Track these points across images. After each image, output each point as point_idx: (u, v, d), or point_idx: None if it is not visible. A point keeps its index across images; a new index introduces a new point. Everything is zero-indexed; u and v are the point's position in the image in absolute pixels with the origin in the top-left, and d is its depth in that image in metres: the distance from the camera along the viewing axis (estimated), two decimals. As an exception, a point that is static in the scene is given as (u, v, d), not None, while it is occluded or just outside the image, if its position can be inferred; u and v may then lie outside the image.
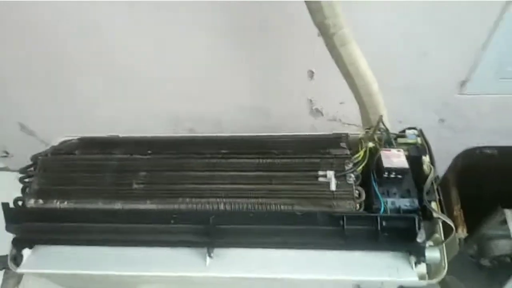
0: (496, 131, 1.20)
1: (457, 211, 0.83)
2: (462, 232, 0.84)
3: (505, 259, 1.00)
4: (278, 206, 0.64)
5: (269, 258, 0.64)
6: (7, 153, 1.44)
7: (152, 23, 0.97)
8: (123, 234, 0.65)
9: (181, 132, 1.28)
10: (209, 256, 0.64)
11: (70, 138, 0.82)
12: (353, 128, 1.19)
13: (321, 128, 1.20)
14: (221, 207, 0.64)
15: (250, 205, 0.64)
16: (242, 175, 0.68)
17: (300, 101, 1.13)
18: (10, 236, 0.71)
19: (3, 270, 1.31)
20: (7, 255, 0.73)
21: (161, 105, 1.20)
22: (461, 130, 1.19)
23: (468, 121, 1.17)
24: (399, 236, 0.62)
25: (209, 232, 0.62)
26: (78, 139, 0.81)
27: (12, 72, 1.12)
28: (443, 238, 0.66)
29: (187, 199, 0.65)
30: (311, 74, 1.04)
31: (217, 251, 0.65)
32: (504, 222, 0.92)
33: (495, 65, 1.03)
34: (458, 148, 1.14)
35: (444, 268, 0.65)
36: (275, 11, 0.93)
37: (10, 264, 0.70)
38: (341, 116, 1.17)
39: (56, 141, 0.82)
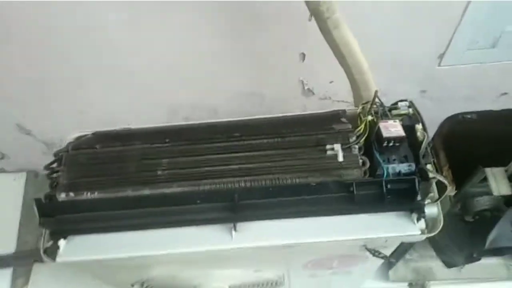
0: (471, 98, 1.30)
1: (446, 171, 0.93)
2: (451, 190, 0.94)
3: (486, 213, 1.10)
4: (294, 179, 0.71)
5: (288, 227, 0.71)
6: (3, 154, 1.44)
7: (145, 13, 1.00)
8: (153, 217, 0.70)
9: (177, 121, 1.32)
10: (235, 230, 0.70)
11: (84, 133, 0.85)
12: (343, 104, 1.27)
13: (313, 107, 1.27)
14: (242, 184, 0.71)
15: (268, 181, 0.71)
16: (257, 154, 0.74)
17: (293, 83, 1.20)
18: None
19: (11, 269, 1.34)
20: (37, 249, 0.77)
21: (155, 95, 1.23)
22: (441, 99, 1.29)
23: (447, 90, 1.27)
24: (402, 196, 0.70)
25: (234, 208, 0.69)
26: (92, 133, 0.84)
27: (8, 71, 1.13)
28: (437, 196, 0.74)
29: (210, 180, 0.71)
30: (302, 56, 1.11)
31: (240, 225, 0.71)
32: (484, 180, 1.02)
33: (467, 38, 1.12)
34: (439, 116, 1.24)
35: (440, 222, 0.74)
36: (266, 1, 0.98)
37: (44, 256, 0.74)
38: (331, 94, 1.25)
39: (70, 138, 0.84)
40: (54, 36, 1.04)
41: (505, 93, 1.30)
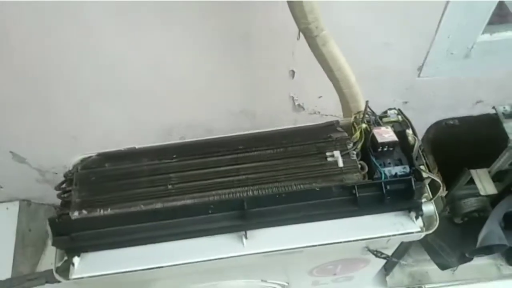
0: (450, 106, 1.39)
1: (436, 173, 0.98)
2: (442, 191, 1.00)
3: (474, 214, 1.16)
4: (298, 185, 0.75)
5: (296, 231, 0.75)
6: (-4, 184, 1.43)
7: (139, 35, 1.04)
8: (166, 230, 0.73)
9: (173, 140, 1.35)
10: (245, 237, 0.73)
11: (88, 155, 0.87)
12: (331, 118, 1.33)
13: (303, 122, 1.31)
14: (250, 193, 0.74)
15: (274, 189, 0.74)
16: (262, 164, 0.78)
17: (283, 99, 1.25)
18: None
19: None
20: (50, 269, 0.78)
21: (151, 116, 1.27)
22: (422, 109, 1.37)
23: (427, 100, 1.35)
24: (400, 197, 0.74)
25: (244, 215, 0.72)
26: (97, 155, 0.86)
27: (2, 96, 1.14)
28: (431, 196, 0.80)
29: (219, 191, 0.74)
30: (292, 73, 1.17)
31: (251, 233, 0.74)
32: (470, 181, 1.08)
33: (444, 49, 1.20)
34: (422, 124, 1.31)
35: (437, 220, 0.79)
36: (257, 20, 1.04)
37: (57, 276, 0.74)
38: (320, 109, 1.31)
39: (75, 160, 0.86)
40: (48, 60, 1.06)
41: (480, 101, 1.39)
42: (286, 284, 1.00)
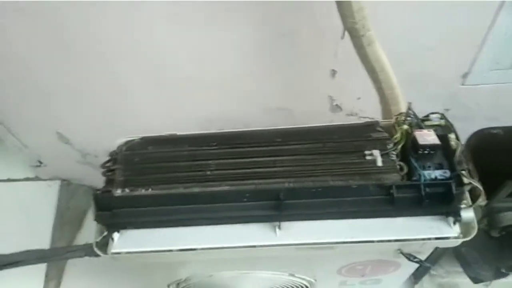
0: (494, 117, 1.35)
1: (477, 182, 0.96)
2: (483, 199, 0.97)
3: (512, 229, 1.12)
4: (335, 181, 0.75)
5: (329, 227, 0.75)
6: (40, 162, 1.51)
7: (187, 31, 1.07)
8: (202, 214, 0.75)
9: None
10: (279, 228, 0.74)
11: (132, 138, 0.90)
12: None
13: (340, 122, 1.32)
14: (286, 185, 0.75)
15: (311, 183, 0.75)
16: (299, 158, 0.79)
17: (322, 99, 1.25)
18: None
19: (45, 272, 1.38)
20: (90, 243, 0.82)
21: (193, 107, 1.30)
22: (465, 118, 1.33)
23: (470, 109, 1.31)
24: (438, 200, 0.73)
25: (279, 206, 0.73)
26: (140, 138, 0.90)
27: (54, 83, 1.21)
28: (471, 203, 0.78)
29: (256, 181, 0.76)
30: (333, 73, 1.17)
31: (284, 224, 0.75)
32: (511, 194, 1.05)
33: (491, 58, 1.17)
34: (463, 134, 1.28)
35: (475, 228, 0.77)
36: (302, 18, 1.05)
37: (96, 250, 0.78)
38: (358, 111, 1.30)
39: (120, 142, 0.90)
40: (98, 48, 1.11)
41: (527, 113, 1.34)
42: (313, 281, 1.00)
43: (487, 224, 1.16)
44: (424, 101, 1.30)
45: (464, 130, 1.28)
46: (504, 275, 1.16)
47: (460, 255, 1.22)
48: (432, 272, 1.33)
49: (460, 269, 1.25)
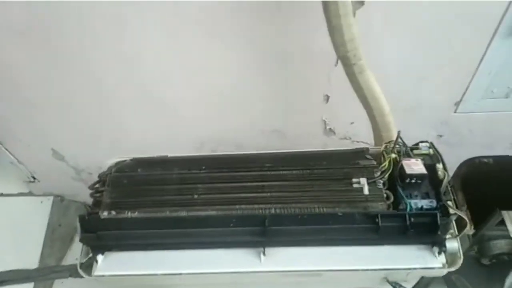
0: (487, 145, 1.35)
1: (465, 211, 0.96)
2: (470, 229, 0.97)
3: (503, 257, 1.11)
4: (321, 208, 0.75)
5: (314, 254, 0.75)
6: (34, 178, 1.51)
7: (182, 53, 1.09)
8: (188, 238, 0.75)
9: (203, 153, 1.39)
10: (264, 254, 0.74)
11: (123, 159, 0.91)
12: (362, 145, 1.33)
13: (333, 146, 1.32)
14: (273, 211, 0.75)
15: (297, 209, 0.75)
16: (287, 184, 0.79)
17: (315, 122, 1.26)
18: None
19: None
20: (75, 264, 0.81)
21: (187, 129, 1.31)
22: (457, 144, 1.34)
23: (463, 136, 1.32)
24: (424, 230, 0.74)
25: (264, 232, 0.73)
26: (131, 159, 0.90)
27: (48, 98, 1.21)
28: (457, 233, 0.78)
29: (243, 206, 0.76)
30: (326, 98, 1.18)
31: (269, 250, 0.75)
32: (502, 223, 1.05)
33: (484, 87, 1.19)
34: (456, 161, 1.28)
35: (460, 258, 0.77)
36: (298, 44, 1.07)
37: (80, 271, 0.78)
38: (351, 135, 1.31)
39: (110, 162, 0.90)
40: (90, 66, 1.11)
41: (520, 142, 1.35)
42: (301, 308, 0.99)
43: (477, 252, 1.15)
44: (419, 127, 1.33)
45: (457, 156, 1.30)
46: (494, 304, 1.14)
47: (450, 282, 1.21)
48: (423, 299, 1.31)
49: (451, 297, 1.24)
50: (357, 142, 1.33)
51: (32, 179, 1.51)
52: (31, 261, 1.37)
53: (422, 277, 0.86)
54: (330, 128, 1.28)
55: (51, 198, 1.57)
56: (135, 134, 1.34)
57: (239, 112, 1.26)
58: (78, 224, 0.76)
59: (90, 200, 0.84)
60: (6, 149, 1.36)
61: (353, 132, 1.30)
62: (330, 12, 0.80)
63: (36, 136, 1.33)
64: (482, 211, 1.05)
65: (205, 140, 1.34)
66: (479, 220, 1.08)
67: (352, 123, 1.27)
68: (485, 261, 1.14)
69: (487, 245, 1.11)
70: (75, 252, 1.46)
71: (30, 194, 1.59)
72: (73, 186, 1.51)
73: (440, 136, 1.32)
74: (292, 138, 1.33)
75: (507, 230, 1.03)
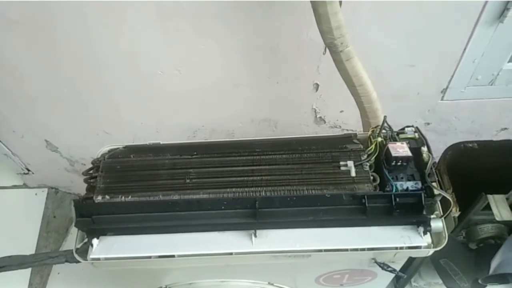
0: (473, 132, 1.38)
1: (450, 193, 0.99)
2: (455, 211, 1.00)
3: (490, 241, 1.14)
4: (310, 191, 0.78)
5: (304, 235, 0.78)
6: (28, 170, 1.52)
7: (173, 43, 1.10)
8: (180, 221, 0.77)
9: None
10: (255, 236, 0.76)
11: (116, 146, 0.93)
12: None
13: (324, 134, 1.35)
14: (263, 194, 0.77)
15: (286, 192, 0.78)
16: (276, 168, 0.81)
17: (306, 111, 1.29)
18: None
19: (28, 280, 1.38)
20: (70, 249, 0.83)
21: (179, 117, 1.32)
22: (444, 132, 1.37)
23: (450, 124, 1.35)
24: (409, 210, 0.76)
25: (255, 214, 0.75)
26: (124, 147, 0.92)
27: (41, 89, 1.22)
28: (441, 213, 0.81)
29: (234, 189, 0.78)
30: (316, 86, 1.20)
31: (260, 232, 0.77)
32: (487, 207, 1.07)
33: (469, 74, 1.21)
34: (443, 148, 1.31)
35: (445, 238, 0.79)
36: (285, 33, 1.09)
37: (76, 256, 0.79)
38: (341, 123, 1.33)
39: (104, 150, 0.92)
40: (85, 58, 1.13)
41: (505, 128, 1.38)
42: (293, 291, 1.02)
43: (465, 237, 1.18)
44: (406, 115, 1.35)
45: (445, 143, 1.32)
46: (482, 286, 1.17)
47: (439, 267, 1.24)
48: (413, 283, 1.35)
49: (440, 281, 1.27)
50: (347, 130, 1.35)
51: (26, 171, 1.52)
52: (27, 253, 1.39)
53: (410, 258, 0.88)
54: (320, 117, 1.30)
55: (46, 190, 1.59)
56: (128, 126, 1.35)
57: (230, 103, 1.28)
58: (72, 209, 0.77)
59: (84, 192, 0.85)
60: (0, 141, 1.37)
61: (342, 120, 1.32)
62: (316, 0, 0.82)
63: (29, 127, 1.34)
64: (468, 195, 1.08)
65: (196, 131, 1.36)
66: (465, 204, 1.10)
67: (341, 111, 1.29)
68: (473, 246, 1.17)
69: (474, 229, 1.14)
70: (70, 244, 1.48)
71: (24, 186, 1.60)
72: (67, 177, 1.53)
73: (428, 123, 1.35)
74: (283, 127, 1.35)
75: (493, 214, 1.06)
